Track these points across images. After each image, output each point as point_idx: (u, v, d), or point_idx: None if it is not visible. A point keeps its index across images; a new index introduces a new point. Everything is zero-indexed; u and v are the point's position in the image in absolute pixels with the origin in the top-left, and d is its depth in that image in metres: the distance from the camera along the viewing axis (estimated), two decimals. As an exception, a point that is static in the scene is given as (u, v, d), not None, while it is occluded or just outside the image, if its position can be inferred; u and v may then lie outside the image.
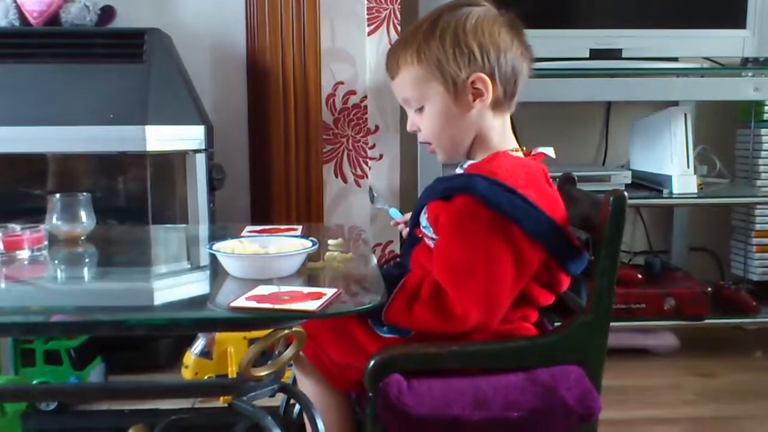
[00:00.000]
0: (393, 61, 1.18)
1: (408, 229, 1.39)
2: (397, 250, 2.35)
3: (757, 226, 2.42)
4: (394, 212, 1.46)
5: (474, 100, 1.13)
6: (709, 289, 2.20)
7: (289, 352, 1.08)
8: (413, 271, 1.15)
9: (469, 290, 1.03)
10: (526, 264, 1.06)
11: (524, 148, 1.20)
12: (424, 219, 1.16)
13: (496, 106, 1.15)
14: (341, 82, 2.32)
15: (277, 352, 1.13)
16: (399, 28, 2.30)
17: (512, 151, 1.17)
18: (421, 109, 1.17)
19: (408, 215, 1.44)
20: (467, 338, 1.09)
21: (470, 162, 1.17)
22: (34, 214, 1.57)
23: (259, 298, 0.96)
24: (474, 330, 1.07)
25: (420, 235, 1.22)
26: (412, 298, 1.07)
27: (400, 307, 1.07)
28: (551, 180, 1.18)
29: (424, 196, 1.17)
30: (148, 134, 1.89)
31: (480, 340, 1.10)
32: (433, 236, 1.13)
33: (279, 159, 2.26)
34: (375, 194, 1.46)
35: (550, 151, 1.20)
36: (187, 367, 1.87)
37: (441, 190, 1.11)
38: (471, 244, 1.05)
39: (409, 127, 1.21)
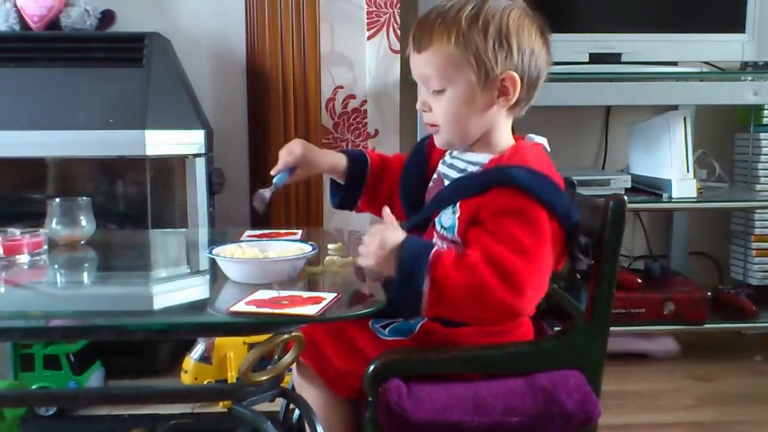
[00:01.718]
0: (425, 34, 1.12)
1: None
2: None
3: (757, 231, 2.42)
4: (279, 179, 1.28)
5: (498, 97, 1.12)
6: (709, 293, 2.20)
7: (288, 357, 1.08)
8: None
9: (526, 271, 1.01)
10: (556, 248, 1.07)
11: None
12: (449, 219, 1.12)
13: (514, 107, 1.14)
14: (341, 87, 2.32)
15: (276, 357, 1.13)
16: (398, 32, 2.30)
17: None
18: (440, 92, 1.13)
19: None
20: (509, 326, 1.11)
21: (485, 156, 1.15)
22: (34, 218, 1.58)
23: (259, 303, 0.96)
24: (518, 313, 1.06)
25: None
26: (460, 259, 1.01)
27: (449, 264, 1.00)
28: None
29: (447, 198, 1.14)
30: (148, 139, 1.89)
31: (479, 345, 1.10)
32: (455, 239, 1.11)
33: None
34: (263, 194, 1.31)
35: (545, 143, 1.19)
36: (186, 371, 1.87)
37: (476, 186, 1.09)
38: (519, 229, 1.03)
39: (418, 105, 1.17)
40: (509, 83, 1.11)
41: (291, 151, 1.29)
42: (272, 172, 1.29)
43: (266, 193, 1.24)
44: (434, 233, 1.16)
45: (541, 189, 1.04)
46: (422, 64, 1.14)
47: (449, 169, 1.20)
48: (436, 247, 1.03)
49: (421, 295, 1.00)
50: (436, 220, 1.16)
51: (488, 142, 1.16)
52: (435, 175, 1.24)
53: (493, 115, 1.13)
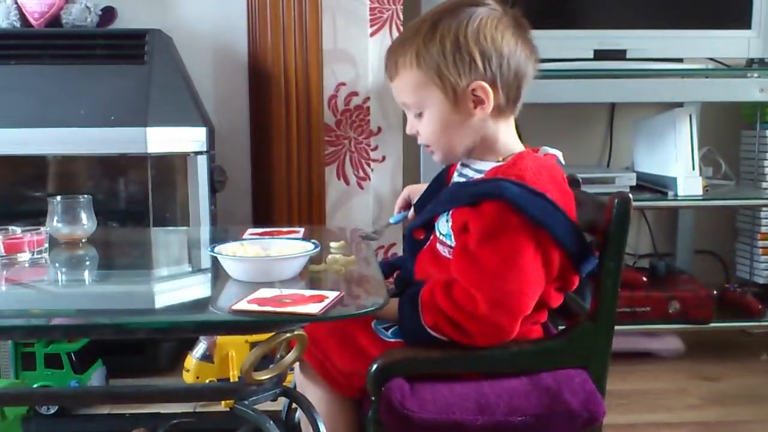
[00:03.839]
0: (392, 62, 1.15)
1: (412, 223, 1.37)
2: (400, 253, 2.33)
3: (763, 229, 2.40)
4: (395, 218, 1.41)
5: (475, 108, 1.11)
6: (715, 292, 2.19)
7: (290, 356, 1.07)
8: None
9: (498, 294, 1.02)
10: (551, 268, 1.06)
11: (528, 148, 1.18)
12: (445, 227, 1.14)
13: (498, 112, 1.13)
14: (343, 84, 2.31)
15: (278, 356, 1.12)
16: (401, 29, 2.29)
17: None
18: (420, 114, 1.15)
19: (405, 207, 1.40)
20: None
21: (487, 164, 1.15)
22: (35, 216, 1.57)
23: (261, 301, 0.95)
24: (498, 334, 1.05)
25: (421, 237, 1.21)
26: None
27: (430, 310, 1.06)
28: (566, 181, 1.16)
29: (443, 203, 1.15)
30: (149, 136, 1.88)
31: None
32: (453, 244, 1.11)
33: (281, 161, 2.25)
34: (369, 234, 1.43)
35: (560, 155, 1.18)
36: (188, 370, 1.86)
37: (467, 197, 1.08)
38: (502, 250, 1.03)
39: (408, 130, 1.20)
40: (481, 92, 1.10)
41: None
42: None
43: (374, 234, 1.38)
44: (436, 239, 1.17)
45: (533, 207, 1.02)
46: (397, 92, 1.17)
47: (459, 177, 1.21)
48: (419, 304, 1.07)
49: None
50: (435, 225, 1.17)
51: (489, 148, 1.15)
52: (450, 183, 1.24)
53: (478, 124, 1.13)
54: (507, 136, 1.16)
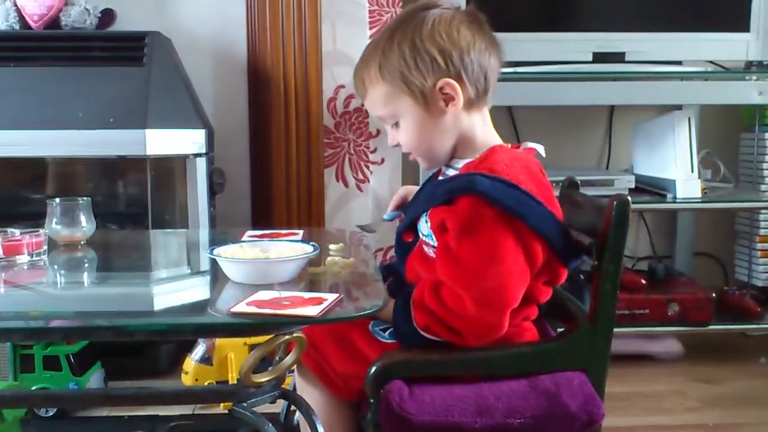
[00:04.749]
0: (359, 81, 1.17)
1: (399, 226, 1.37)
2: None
3: (762, 231, 2.40)
4: (389, 215, 1.41)
5: (446, 106, 1.12)
6: (713, 294, 2.19)
7: (289, 358, 1.07)
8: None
9: (484, 293, 1.02)
10: (534, 259, 1.05)
11: (509, 145, 1.18)
12: (425, 227, 1.14)
13: (471, 105, 1.13)
14: (342, 86, 2.31)
15: (277, 358, 1.12)
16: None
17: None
18: (397, 124, 1.16)
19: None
20: (513, 332, 1.08)
21: (465, 161, 1.15)
22: (34, 218, 1.57)
23: (260, 304, 0.95)
24: (488, 331, 1.05)
25: (410, 239, 1.21)
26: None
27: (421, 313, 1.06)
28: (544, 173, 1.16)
29: (422, 204, 1.15)
30: (149, 138, 1.88)
31: (482, 346, 1.09)
32: (435, 244, 1.12)
33: (280, 163, 2.25)
34: (365, 226, 1.43)
35: (540, 149, 1.17)
36: (187, 373, 1.86)
37: (442, 195, 1.08)
38: (481, 245, 1.03)
39: (390, 142, 1.20)
40: (449, 89, 1.11)
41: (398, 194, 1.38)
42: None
43: (372, 226, 1.40)
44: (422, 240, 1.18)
45: (507, 198, 1.02)
46: (371, 108, 1.19)
47: (443, 177, 1.21)
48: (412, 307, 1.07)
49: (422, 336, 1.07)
50: (418, 226, 1.17)
51: (467, 145, 1.16)
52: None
53: (453, 122, 1.14)
54: (484, 129, 1.17)
